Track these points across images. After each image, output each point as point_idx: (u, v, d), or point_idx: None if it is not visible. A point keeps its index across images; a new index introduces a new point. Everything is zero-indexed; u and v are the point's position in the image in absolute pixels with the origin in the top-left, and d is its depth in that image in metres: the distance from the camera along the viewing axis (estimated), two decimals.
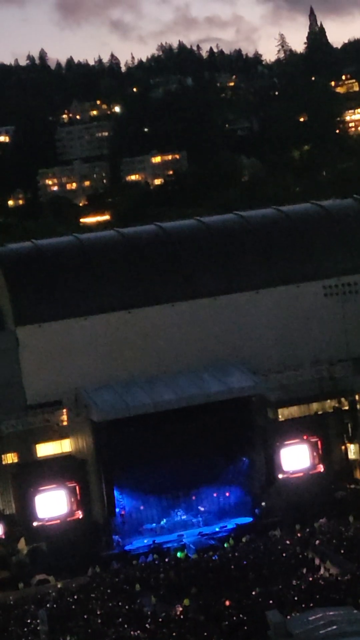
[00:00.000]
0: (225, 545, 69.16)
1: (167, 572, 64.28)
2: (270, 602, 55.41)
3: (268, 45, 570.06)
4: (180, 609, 57.17)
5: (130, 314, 78.99)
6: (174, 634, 52.70)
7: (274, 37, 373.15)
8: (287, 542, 67.07)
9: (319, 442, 76.45)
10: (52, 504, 72.20)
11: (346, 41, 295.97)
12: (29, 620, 57.90)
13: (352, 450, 78.60)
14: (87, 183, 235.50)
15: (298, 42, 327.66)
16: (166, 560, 67.39)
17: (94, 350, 77.65)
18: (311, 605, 53.57)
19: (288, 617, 51.82)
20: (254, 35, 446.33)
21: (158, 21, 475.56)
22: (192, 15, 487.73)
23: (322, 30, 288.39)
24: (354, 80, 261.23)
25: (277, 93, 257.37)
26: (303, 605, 54.01)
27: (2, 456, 74.25)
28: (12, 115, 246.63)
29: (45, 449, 75.67)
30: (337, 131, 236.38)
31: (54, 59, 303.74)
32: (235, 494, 75.24)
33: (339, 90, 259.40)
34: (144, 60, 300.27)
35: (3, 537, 72.10)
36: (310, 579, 59.81)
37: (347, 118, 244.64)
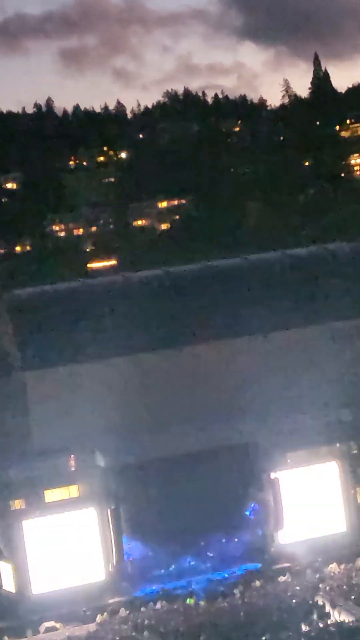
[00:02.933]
0: (235, 591, 68.57)
1: (176, 619, 63.72)
2: None
3: (270, 91, 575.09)
4: None
5: (136, 359, 78.87)
6: None
7: (276, 83, 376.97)
8: (297, 587, 66.53)
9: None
10: None
11: (350, 86, 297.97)
12: None
13: None
14: (93, 228, 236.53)
15: (301, 88, 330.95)
16: (175, 607, 66.80)
17: (100, 395, 77.42)
18: None
19: None
20: (256, 82, 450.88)
21: (160, 69, 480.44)
22: (193, 62, 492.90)
23: (326, 75, 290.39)
24: (358, 125, 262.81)
25: (282, 138, 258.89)
26: None
27: (10, 502, 73.89)
28: (19, 163, 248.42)
29: (53, 495, 75.25)
30: (343, 175, 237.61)
31: (60, 107, 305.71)
32: (244, 539, 74.69)
33: (344, 134, 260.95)
34: (150, 106, 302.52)
35: (11, 584, 71.58)
36: (321, 625, 59.28)
37: (352, 162, 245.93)
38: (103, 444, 73.60)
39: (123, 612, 67.36)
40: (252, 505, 74.85)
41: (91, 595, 70.08)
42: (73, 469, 75.99)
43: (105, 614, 67.12)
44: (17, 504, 74.29)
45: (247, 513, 75.06)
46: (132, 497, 71.96)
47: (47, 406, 76.93)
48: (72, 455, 75.90)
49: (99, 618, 66.53)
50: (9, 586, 71.96)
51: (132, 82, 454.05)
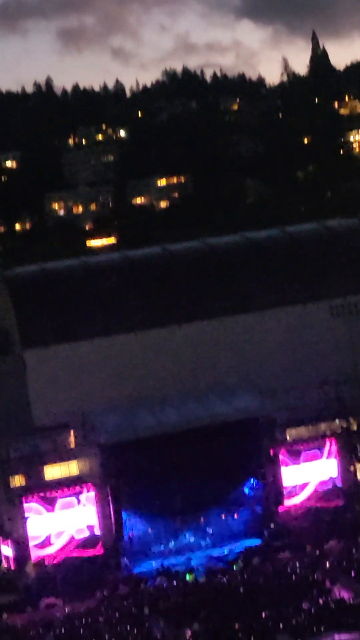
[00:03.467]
0: (234, 567, 68.70)
1: (176, 596, 63.85)
2: (281, 625, 55.02)
3: (268, 69, 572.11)
4: (190, 632, 56.74)
5: (136, 336, 78.84)
6: None
7: (274, 61, 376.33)
8: (297, 564, 66.63)
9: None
10: None
11: (348, 63, 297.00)
12: None
13: None
14: (93, 206, 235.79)
15: (299, 65, 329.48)
16: (175, 583, 66.95)
17: (100, 372, 77.46)
18: (322, 628, 53.16)
19: None
20: (254, 60, 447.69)
21: (159, 48, 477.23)
22: (191, 41, 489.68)
23: (324, 53, 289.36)
24: (356, 102, 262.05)
25: (280, 115, 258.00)
26: (314, 629, 53.58)
27: (10, 479, 73.97)
28: (18, 141, 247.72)
29: (52, 472, 75.32)
30: (341, 152, 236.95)
31: (60, 86, 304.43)
32: (244, 515, 74.82)
33: (342, 111, 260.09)
34: (149, 85, 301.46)
35: (11, 560, 71.80)
36: (321, 602, 59.35)
37: (351, 139, 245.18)
38: (103, 421, 73.59)
39: (123, 588, 67.55)
40: (252, 481, 74.94)
41: (91, 572, 70.26)
42: (72, 445, 76.07)
43: (105, 590, 67.30)
44: (17, 481, 74.37)
45: (247, 490, 75.17)
46: (131, 473, 72.05)
47: (47, 383, 76.96)
48: (71, 432, 75.99)
49: (98, 594, 66.70)
50: (9, 563, 72.21)
51: (130, 60, 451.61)
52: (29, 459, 74.50)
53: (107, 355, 78.21)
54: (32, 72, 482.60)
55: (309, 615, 56.59)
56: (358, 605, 57.13)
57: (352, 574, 63.23)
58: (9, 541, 72.36)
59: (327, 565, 65.43)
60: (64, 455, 75.53)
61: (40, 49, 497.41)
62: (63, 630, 59.70)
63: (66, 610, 64.51)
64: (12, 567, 71.76)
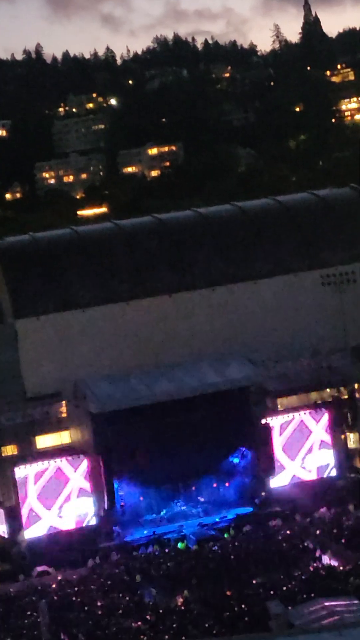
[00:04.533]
0: (226, 535, 69.10)
1: (168, 563, 64.24)
2: (271, 592, 55.37)
3: (259, 37, 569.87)
4: (181, 600, 57.12)
5: (128, 306, 78.93)
6: (174, 625, 52.62)
7: (266, 29, 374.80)
8: (288, 532, 67.04)
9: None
10: None
11: (340, 31, 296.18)
12: (29, 612, 57.82)
13: (351, 439, 78.58)
14: (83, 176, 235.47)
15: (291, 33, 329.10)
16: (166, 551, 67.33)
17: (92, 342, 77.62)
18: (312, 595, 53.49)
19: (289, 607, 51.76)
20: (245, 27, 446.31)
21: (148, 15, 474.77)
22: (181, 8, 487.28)
23: (316, 20, 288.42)
24: (349, 70, 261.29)
25: (272, 83, 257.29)
26: (304, 596, 53.93)
27: (2, 448, 74.22)
28: (8, 109, 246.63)
29: (44, 441, 75.60)
30: (333, 120, 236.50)
31: (50, 54, 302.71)
32: (235, 484, 75.20)
33: (335, 79, 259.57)
34: (139, 52, 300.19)
35: (3, 529, 72.14)
36: (312, 569, 59.77)
37: (343, 107, 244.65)
38: (95, 390, 73.75)
39: (115, 556, 67.91)
40: (243, 450, 75.25)
41: (83, 540, 70.61)
42: (64, 415, 76.25)
43: (97, 558, 67.66)
44: (9, 450, 74.63)
45: (237, 459, 75.50)
46: (123, 442, 72.27)
47: (39, 353, 77.10)
48: (63, 402, 76.15)
49: (90, 562, 67.04)
50: (2, 531, 72.53)
51: (120, 27, 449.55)
52: (21, 429, 74.75)
53: (99, 324, 78.33)
54: (20, 39, 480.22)
55: (300, 582, 56.95)
56: (348, 572, 57.50)
57: (343, 542, 63.63)
58: (1, 510, 72.66)
59: (318, 532, 65.82)
60: (55, 425, 75.80)
61: (28, 16, 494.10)
62: (56, 598, 60.03)
63: (58, 579, 64.85)
64: (5, 536, 72.07)
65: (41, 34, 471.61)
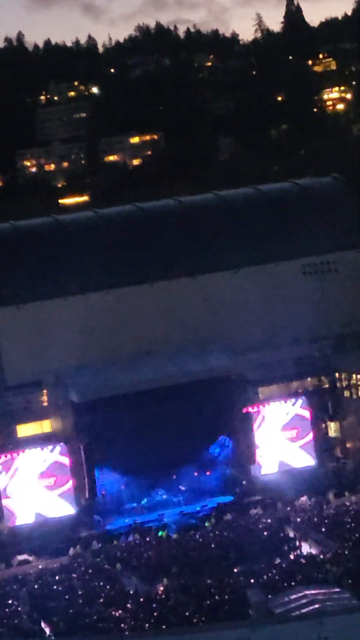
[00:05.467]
0: (207, 524, 69.23)
1: (149, 552, 64.33)
2: (252, 581, 55.55)
3: (240, 26, 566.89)
4: (162, 588, 57.23)
5: (109, 294, 78.79)
6: (155, 613, 52.74)
7: (247, 18, 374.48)
8: (269, 520, 67.19)
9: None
10: None
11: (323, 20, 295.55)
12: (10, 601, 57.85)
13: (332, 428, 78.91)
14: (65, 164, 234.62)
15: (273, 22, 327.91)
16: (147, 539, 67.43)
17: (73, 330, 77.40)
18: (293, 584, 53.69)
19: (269, 596, 51.95)
20: (226, 16, 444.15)
21: (129, 3, 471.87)
22: None
23: (298, 9, 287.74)
24: (331, 59, 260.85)
25: (254, 72, 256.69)
26: (285, 584, 54.12)
27: None
28: None
29: (25, 430, 75.50)
30: (315, 110, 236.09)
31: (31, 42, 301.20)
32: (216, 472, 75.33)
33: (317, 69, 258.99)
34: (122, 41, 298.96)
35: None
36: (292, 557, 59.98)
37: (325, 97, 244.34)
38: (76, 379, 73.69)
39: (95, 545, 67.96)
40: (224, 439, 75.34)
41: (64, 529, 70.63)
42: (45, 404, 76.16)
43: (78, 546, 67.70)
44: None
45: (218, 449, 75.60)
46: (104, 431, 72.25)
47: (20, 342, 76.86)
48: (44, 390, 76.05)
49: (71, 551, 67.08)
50: None
51: (100, 16, 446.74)
52: (2, 418, 74.71)
53: (80, 313, 78.17)
54: (2, 26, 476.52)
55: (280, 571, 57.13)
56: (328, 560, 57.71)
57: (323, 530, 63.84)
58: None
59: (298, 521, 66.02)
60: (36, 414, 75.72)
61: (8, 4, 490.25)
62: (36, 587, 60.04)
63: (39, 567, 64.86)
64: None
65: (21, 22, 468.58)
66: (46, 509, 71.79)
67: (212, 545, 63.68)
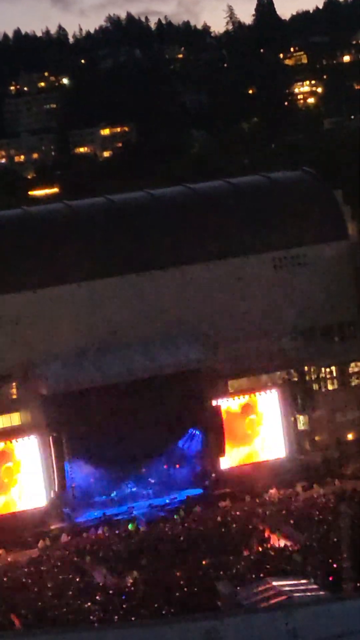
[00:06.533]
0: (176, 516, 69.42)
1: (118, 544, 64.44)
2: (221, 573, 55.79)
3: (212, 18, 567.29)
4: (131, 580, 57.36)
5: (79, 287, 78.61)
6: (124, 605, 52.89)
7: (218, 10, 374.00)
8: (237, 513, 67.45)
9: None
10: None
11: (294, 13, 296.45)
12: None
13: (301, 422, 79.20)
14: (35, 155, 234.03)
15: (244, 14, 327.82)
16: (116, 532, 67.53)
17: (43, 323, 77.16)
18: (261, 575, 53.96)
19: (238, 587, 52.17)
20: (196, 8, 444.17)
21: None
22: None
23: (270, 2, 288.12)
24: (302, 53, 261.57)
25: (225, 65, 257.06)
26: (253, 576, 54.39)
27: None
28: None
29: None
30: (286, 103, 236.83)
31: (0, 31, 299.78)
32: (186, 465, 75.48)
33: (288, 62, 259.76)
34: (92, 32, 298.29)
35: None
36: (261, 549, 60.27)
37: (296, 90, 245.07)
38: (45, 372, 73.57)
39: (65, 537, 68.01)
40: (194, 432, 75.50)
41: (33, 522, 70.59)
42: (15, 396, 76.00)
43: (47, 539, 67.71)
44: None
45: (188, 442, 75.75)
46: (74, 424, 72.24)
47: None
48: (13, 383, 75.87)
49: (40, 544, 67.08)
50: None
51: (70, 7, 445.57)
52: None
53: (50, 305, 77.93)
54: None
55: (249, 563, 57.41)
56: (296, 552, 58.04)
57: (291, 522, 64.17)
58: None
59: (267, 513, 66.31)
60: (6, 406, 75.48)
61: None
62: (5, 579, 60.02)
63: (8, 560, 64.82)
64: None
65: None
66: (15, 502, 71.69)
67: (181, 538, 63.90)
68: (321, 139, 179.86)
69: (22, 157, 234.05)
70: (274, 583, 49.31)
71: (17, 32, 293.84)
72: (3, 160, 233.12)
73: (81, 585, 57.30)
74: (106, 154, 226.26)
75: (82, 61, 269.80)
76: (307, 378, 79.51)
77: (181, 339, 76.92)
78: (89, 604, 53.78)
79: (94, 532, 68.58)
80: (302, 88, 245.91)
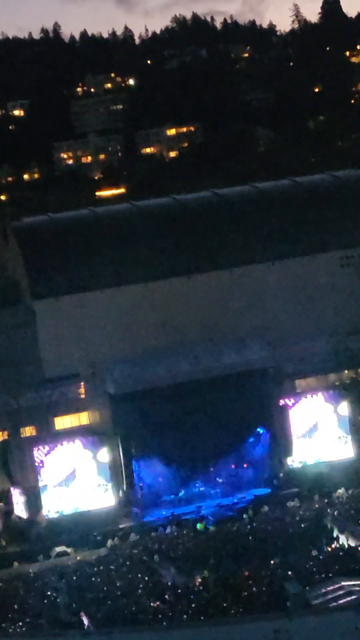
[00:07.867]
0: (244, 516, 69.30)
1: (186, 544, 64.50)
2: (289, 573, 55.63)
3: (277, 17, 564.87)
4: (199, 580, 57.40)
5: (146, 287, 78.91)
6: (193, 605, 52.94)
7: (284, 8, 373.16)
8: (306, 512, 67.19)
9: None
10: None
11: None
12: (48, 593, 58.24)
13: None
14: (102, 156, 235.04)
15: (310, 13, 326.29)
16: (185, 531, 67.58)
17: (110, 323, 77.67)
18: (330, 575, 53.74)
19: (307, 587, 52.02)
20: (261, 7, 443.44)
21: None
22: None
23: (336, 0, 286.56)
24: None
25: (291, 64, 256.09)
26: (322, 576, 54.17)
27: (21, 429, 74.55)
28: (26, 89, 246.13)
29: (63, 422, 75.86)
30: (352, 101, 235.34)
31: (67, 33, 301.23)
32: (253, 465, 75.36)
33: (354, 60, 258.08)
34: (158, 32, 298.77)
35: (23, 509, 72.50)
36: (329, 549, 59.97)
37: None
38: (113, 371, 73.93)
39: (133, 537, 68.23)
40: (261, 431, 75.37)
41: (102, 521, 70.95)
42: (83, 396, 76.47)
43: (115, 538, 68.00)
44: (28, 431, 74.96)
45: (255, 440, 75.61)
46: (141, 423, 72.51)
47: (57, 334, 77.18)
48: (82, 383, 76.35)
49: (109, 543, 67.37)
50: (21, 512, 72.93)
51: (134, 7, 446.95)
52: (40, 410, 75.03)
53: (118, 306, 78.37)
54: (35, 18, 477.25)
55: (317, 563, 57.18)
56: None
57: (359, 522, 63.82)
58: (20, 491, 73.04)
59: (336, 513, 65.96)
60: (74, 406, 76.03)
61: None
62: (74, 579, 60.38)
63: (77, 559, 65.20)
64: (24, 517, 72.45)
65: (55, 13, 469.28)
66: (84, 501, 72.11)
67: (250, 537, 63.78)
68: None
69: (89, 158, 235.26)
70: (343, 583, 49.14)
71: (84, 34, 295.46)
72: (70, 162, 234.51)
73: (150, 584, 57.45)
74: (172, 154, 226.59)
75: (148, 62, 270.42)
76: None
77: (248, 339, 76.83)
78: (158, 603, 53.91)
79: (163, 531, 68.72)
80: None
